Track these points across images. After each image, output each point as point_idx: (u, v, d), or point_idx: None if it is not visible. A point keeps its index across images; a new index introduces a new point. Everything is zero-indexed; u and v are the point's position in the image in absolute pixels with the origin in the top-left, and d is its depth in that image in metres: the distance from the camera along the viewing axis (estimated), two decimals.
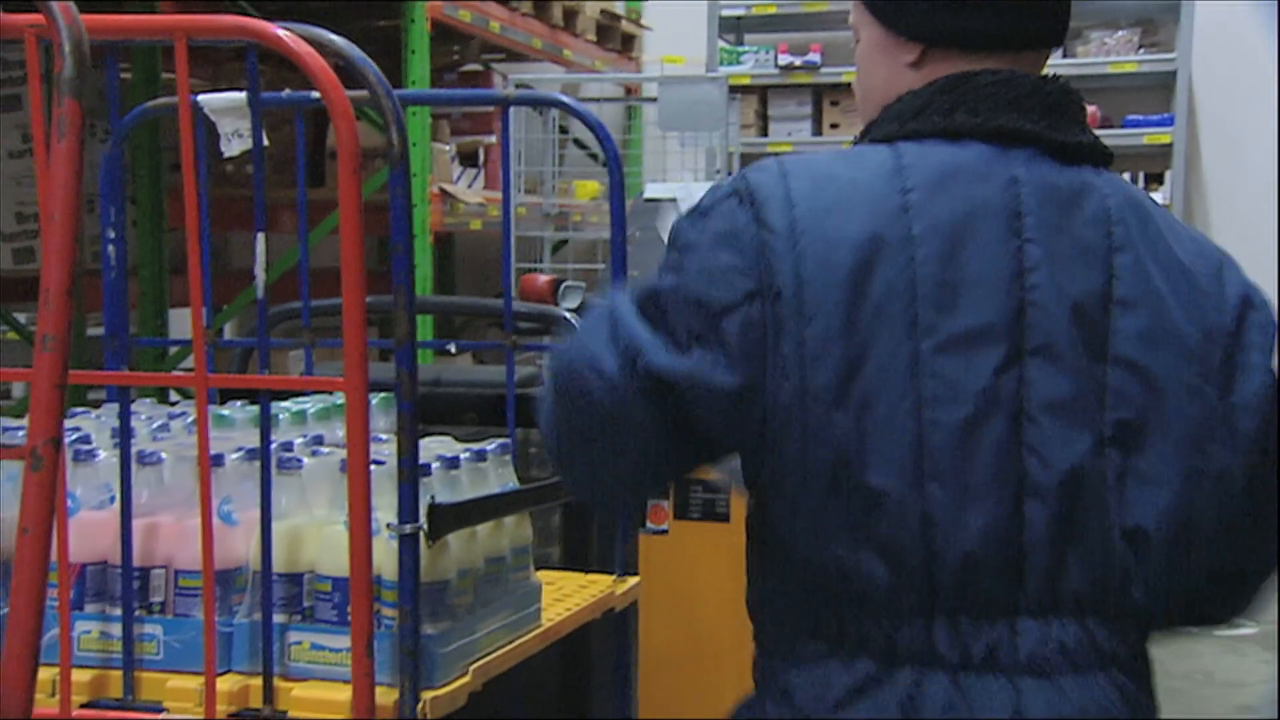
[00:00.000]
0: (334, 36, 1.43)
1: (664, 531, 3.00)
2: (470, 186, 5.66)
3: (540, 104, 2.23)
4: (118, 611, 1.47)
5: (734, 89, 5.79)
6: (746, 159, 6.45)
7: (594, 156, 6.38)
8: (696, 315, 1.19)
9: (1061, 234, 1.21)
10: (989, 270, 1.18)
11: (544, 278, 2.46)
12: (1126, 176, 6.21)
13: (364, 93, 1.43)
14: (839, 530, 1.18)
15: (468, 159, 5.72)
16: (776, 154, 5.35)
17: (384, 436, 1.68)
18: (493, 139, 5.70)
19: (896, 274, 1.17)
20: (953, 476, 1.16)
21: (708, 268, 1.20)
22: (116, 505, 1.47)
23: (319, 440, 1.66)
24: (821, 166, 1.24)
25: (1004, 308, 1.18)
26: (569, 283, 2.43)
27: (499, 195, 5.39)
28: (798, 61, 6.54)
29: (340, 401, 1.70)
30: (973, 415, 1.16)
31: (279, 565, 1.48)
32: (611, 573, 2.04)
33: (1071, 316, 1.19)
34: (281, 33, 1.34)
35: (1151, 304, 1.22)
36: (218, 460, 1.48)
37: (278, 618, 1.47)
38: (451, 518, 1.53)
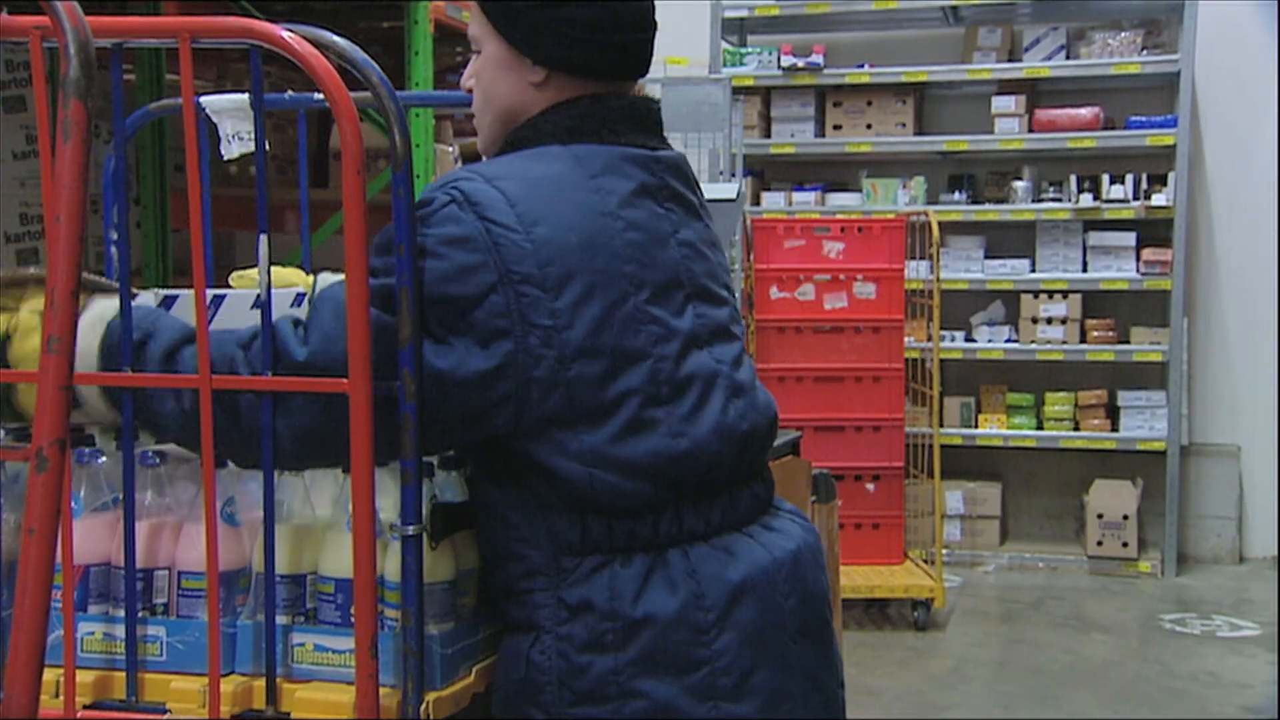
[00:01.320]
0: (337, 38, 1.43)
1: None
2: None
3: None
4: (121, 613, 1.47)
5: (737, 90, 5.79)
6: (750, 160, 6.46)
7: None
8: (445, 311, 1.44)
9: (681, 200, 1.63)
10: (658, 233, 1.57)
11: None
12: (1130, 178, 6.22)
13: (367, 94, 1.43)
14: (599, 459, 1.48)
15: (471, 160, 5.72)
16: (779, 154, 5.42)
17: None
18: None
19: (612, 245, 1.51)
20: (681, 394, 1.53)
21: (443, 270, 1.45)
22: (120, 507, 1.47)
23: None
24: (521, 169, 1.53)
25: (673, 262, 1.58)
26: None
27: None
28: (800, 63, 6.54)
29: None
30: (681, 347, 1.54)
31: (282, 566, 1.48)
32: None
33: (699, 259, 1.62)
34: (285, 34, 1.34)
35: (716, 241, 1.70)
36: (221, 462, 1.49)
37: (281, 619, 1.47)
38: (455, 518, 1.54)
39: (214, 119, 1.82)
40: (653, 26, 1.68)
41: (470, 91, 1.66)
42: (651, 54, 1.68)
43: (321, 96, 1.36)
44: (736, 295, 4.70)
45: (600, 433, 1.48)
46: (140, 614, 1.48)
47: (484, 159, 1.67)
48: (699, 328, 1.57)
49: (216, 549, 1.41)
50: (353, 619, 1.40)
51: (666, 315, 1.54)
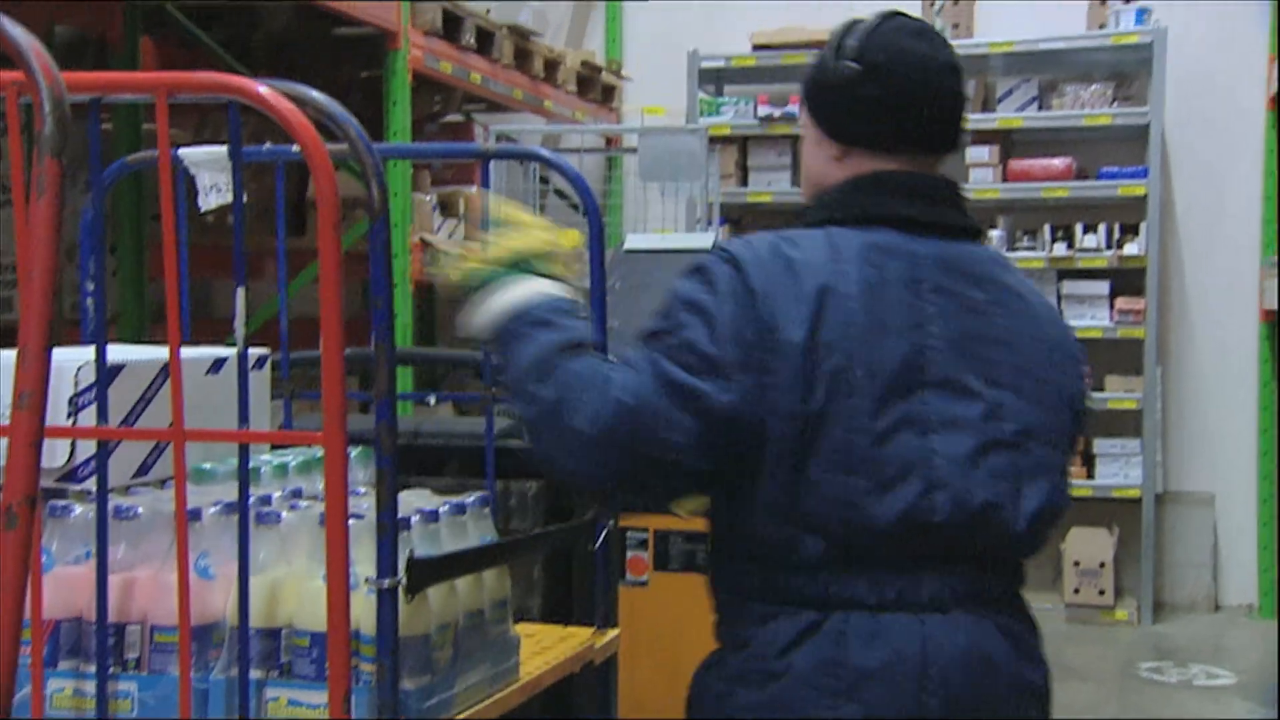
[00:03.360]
0: (315, 93, 1.44)
1: (644, 583, 2.99)
2: (451, 236, 5.67)
3: (519, 158, 2.25)
4: (92, 669, 1.46)
5: (714, 139, 5.83)
6: (726, 209, 6.50)
7: (575, 206, 6.42)
8: (737, 348, 1.58)
9: (950, 293, 1.66)
10: (897, 321, 1.63)
11: None
12: (1103, 228, 6.28)
13: (345, 146, 1.44)
14: (786, 512, 1.59)
15: (448, 208, 5.74)
16: (756, 203, 5.44)
17: (363, 489, 1.68)
18: (473, 189, 5.72)
19: (835, 324, 1.59)
20: (872, 471, 1.59)
21: (727, 317, 1.59)
22: (92, 560, 1.46)
23: (298, 493, 1.66)
24: (770, 246, 1.66)
25: (908, 350, 1.61)
26: None
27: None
28: (777, 113, 6.59)
29: (318, 454, 1.69)
30: (890, 427, 1.59)
31: (256, 620, 1.47)
32: (592, 625, 2.04)
33: (961, 354, 1.64)
34: (263, 90, 1.35)
35: (1019, 342, 1.69)
36: (195, 515, 1.48)
37: (255, 673, 1.46)
38: (431, 572, 1.53)
39: (192, 171, 1.82)
40: (951, 100, 1.74)
41: None
42: (956, 129, 1.76)
43: (297, 149, 1.36)
44: None
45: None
46: (111, 669, 1.47)
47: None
48: (919, 415, 1.60)
49: (189, 602, 1.40)
50: (327, 673, 1.39)
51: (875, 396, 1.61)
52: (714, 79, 6.95)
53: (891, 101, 1.70)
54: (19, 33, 0.95)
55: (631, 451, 1.56)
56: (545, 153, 2.15)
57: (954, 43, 6.29)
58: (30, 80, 0.93)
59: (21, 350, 0.91)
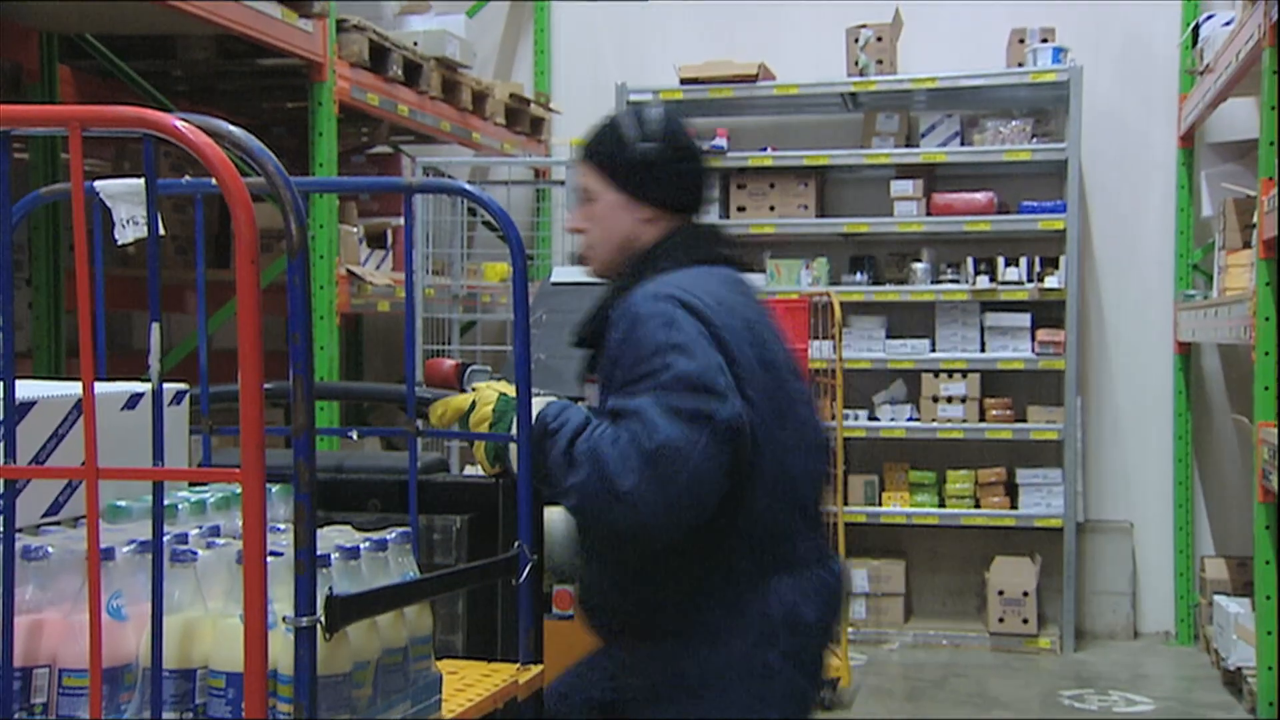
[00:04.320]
0: (231, 127, 1.43)
1: (570, 617, 2.98)
2: (379, 268, 5.64)
3: (445, 192, 2.25)
4: None
5: None
6: None
7: (504, 238, 6.42)
8: (724, 375, 2.03)
9: (759, 307, 2.26)
10: (775, 333, 2.24)
11: (449, 361, 2.45)
12: (1024, 261, 6.39)
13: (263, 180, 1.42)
14: (780, 494, 2.17)
15: (376, 240, 5.71)
16: None
17: (283, 526, 1.65)
18: (399, 221, 5.70)
19: (760, 341, 2.16)
20: (815, 458, 2.25)
21: (706, 349, 2.05)
22: None
23: (216, 531, 1.63)
24: (703, 285, 2.17)
25: (781, 349, 2.23)
26: (475, 366, 2.43)
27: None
28: (704, 146, 6.64)
29: (237, 490, 1.67)
30: (805, 410, 2.24)
31: (170, 661, 1.44)
32: (515, 661, 2.02)
33: (782, 349, 2.24)
34: (179, 124, 1.33)
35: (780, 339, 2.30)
36: (109, 554, 1.45)
37: (168, 715, 1.43)
38: (350, 609, 1.51)
39: (109, 204, 1.80)
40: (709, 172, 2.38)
41: (580, 231, 2.33)
42: (705, 196, 2.37)
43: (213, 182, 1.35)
44: None
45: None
46: (17, 715, 1.43)
47: (596, 277, 2.36)
48: (804, 396, 2.25)
49: (100, 643, 1.37)
50: (244, 714, 1.37)
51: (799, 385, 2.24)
52: None
53: (690, 173, 2.30)
54: None
55: (669, 483, 1.94)
56: (469, 187, 2.15)
57: (878, 79, 6.35)
58: None
59: None
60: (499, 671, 1.99)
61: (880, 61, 6.51)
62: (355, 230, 5.41)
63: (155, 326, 1.42)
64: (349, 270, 5.10)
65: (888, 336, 6.58)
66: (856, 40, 6.55)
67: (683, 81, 6.65)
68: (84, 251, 1.38)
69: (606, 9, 7.09)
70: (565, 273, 4.07)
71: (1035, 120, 6.53)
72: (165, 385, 1.46)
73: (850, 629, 6.00)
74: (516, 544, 2.00)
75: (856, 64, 6.52)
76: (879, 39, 6.52)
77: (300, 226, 1.42)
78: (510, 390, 2.19)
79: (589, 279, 2.39)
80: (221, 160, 1.33)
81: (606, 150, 2.29)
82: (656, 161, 2.25)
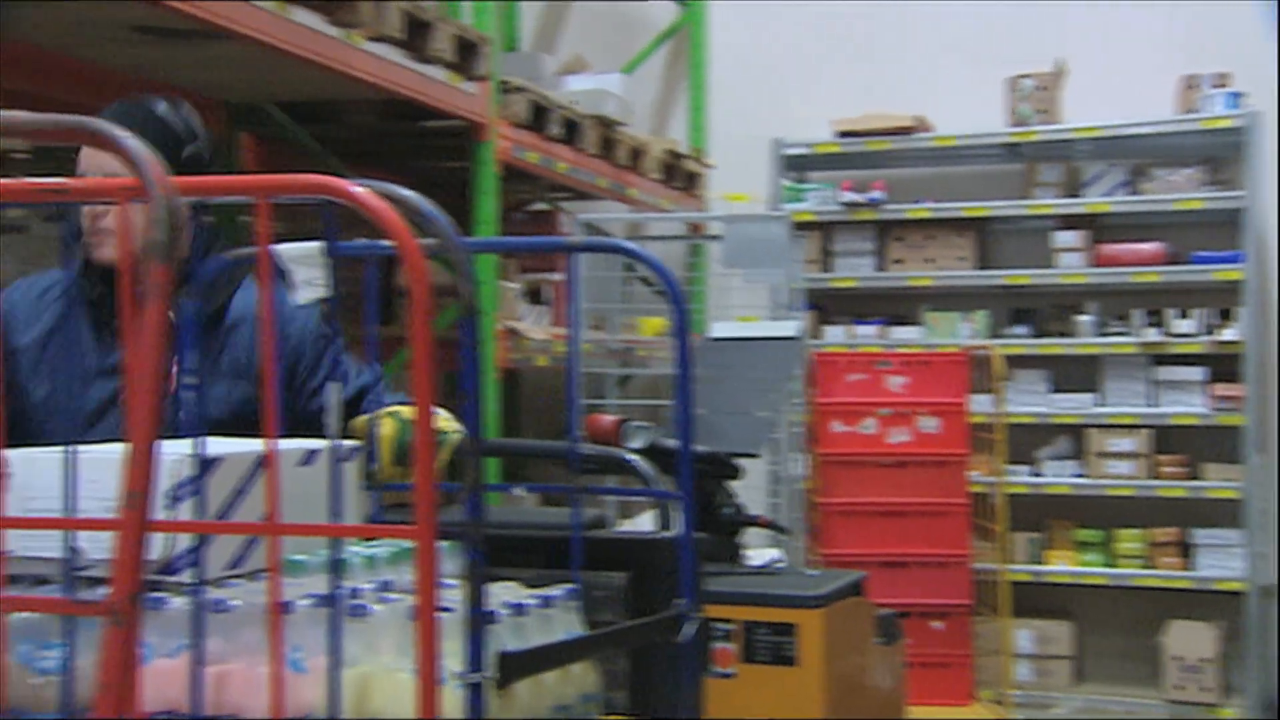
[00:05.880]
0: (407, 192, 1.47)
1: (731, 675, 2.95)
2: (536, 323, 5.73)
3: (606, 250, 2.27)
4: None
5: (798, 225, 5.86)
6: (811, 294, 6.50)
7: (660, 293, 6.45)
8: None
9: None
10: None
11: (609, 418, 2.48)
12: (1198, 313, 6.16)
13: (434, 240, 1.46)
14: None
15: (533, 296, 5.81)
16: (840, 289, 5.44)
17: (451, 582, 1.68)
18: (558, 276, 5.79)
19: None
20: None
21: None
22: (187, 653, 1.48)
23: (388, 586, 1.66)
24: None
25: None
26: (635, 422, 2.44)
27: (564, 331, 5.45)
28: (861, 198, 6.60)
29: (406, 546, 1.70)
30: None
31: (347, 713, 1.47)
32: (677, 718, 2.01)
33: None
34: (359, 191, 1.38)
35: None
36: (288, 608, 1.49)
37: None
38: (521, 665, 1.53)
39: (287, 266, 1.86)
40: None
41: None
42: None
43: (388, 243, 1.39)
44: (797, 429, 4.66)
45: None
46: None
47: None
48: None
49: (284, 694, 1.41)
50: None
51: None
52: (796, 165, 6.99)
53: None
54: (132, 142, 0.99)
55: None
56: (631, 246, 2.17)
57: (1040, 129, 6.21)
58: (146, 190, 0.96)
59: (130, 451, 0.94)
60: None
61: (1043, 111, 6.40)
62: (515, 286, 5.51)
63: (334, 386, 1.47)
64: (508, 326, 5.20)
65: (1051, 390, 6.41)
66: (1017, 90, 6.45)
67: (840, 134, 6.63)
68: (270, 315, 1.44)
69: (761, 64, 7.12)
70: (725, 328, 4.07)
71: (1208, 168, 6.33)
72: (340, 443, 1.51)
73: (1014, 691, 5.81)
74: (680, 600, 1.99)
75: (1016, 114, 6.42)
76: (1042, 88, 6.41)
77: (472, 287, 1.45)
78: (405, 411, 2.25)
79: (750, 334, 2.38)
80: (400, 227, 1.37)
81: (162, 150, 2.34)
82: (205, 161, 2.33)
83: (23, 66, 3.62)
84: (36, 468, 1.55)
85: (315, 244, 1.84)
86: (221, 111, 4.46)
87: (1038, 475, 6.39)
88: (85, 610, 1.11)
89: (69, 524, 1.48)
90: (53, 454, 1.53)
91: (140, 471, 0.94)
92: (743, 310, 5.77)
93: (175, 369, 2.16)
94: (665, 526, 2.26)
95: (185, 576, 1.56)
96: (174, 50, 3.67)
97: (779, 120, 6.95)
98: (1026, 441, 6.45)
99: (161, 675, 1.49)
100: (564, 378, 5.43)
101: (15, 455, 1.50)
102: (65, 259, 2.55)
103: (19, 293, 2.52)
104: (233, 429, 1.91)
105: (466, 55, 4.48)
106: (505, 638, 1.56)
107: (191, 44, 3.58)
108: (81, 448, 1.53)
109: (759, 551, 3.43)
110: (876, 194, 6.60)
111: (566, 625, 1.72)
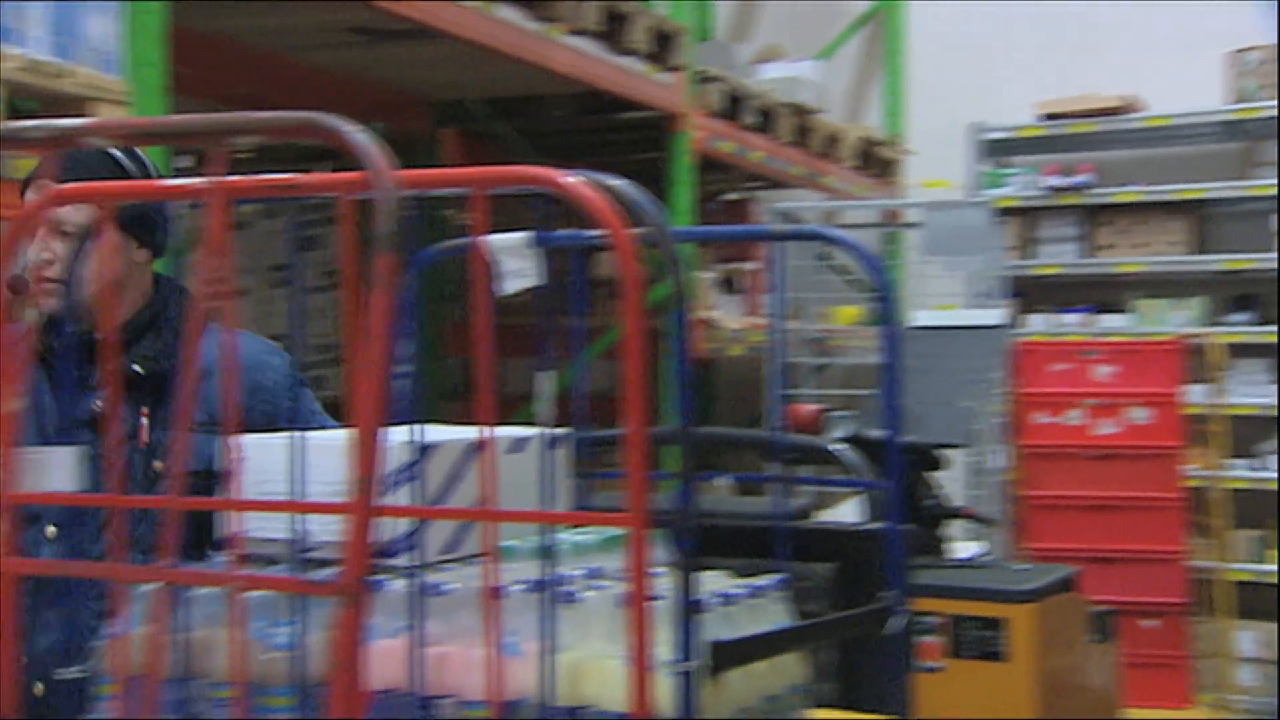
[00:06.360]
0: (617, 181, 1.48)
1: (936, 670, 2.89)
2: (730, 313, 5.72)
3: (810, 238, 2.24)
4: None
5: (999, 211, 5.70)
6: (1013, 282, 6.32)
7: (852, 282, 6.36)
8: None
9: None
10: None
11: (810, 407, 2.45)
12: None
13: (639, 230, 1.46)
14: None
15: (727, 285, 5.80)
16: (1043, 276, 5.28)
17: (658, 570, 1.68)
18: (750, 266, 5.77)
19: None
20: None
21: None
22: (406, 635, 1.52)
23: (597, 573, 1.68)
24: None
25: None
26: (836, 412, 2.41)
27: (758, 320, 5.43)
28: (1066, 183, 6.38)
29: (615, 533, 1.71)
30: None
31: (560, 698, 1.49)
32: (883, 713, 1.98)
33: None
34: (571, 181, 1.39)
35: None
36: (502, 592, 1.52)
37: None
38: (732, 655, 1.52)
39: (496, 257, 1.90)
40: None
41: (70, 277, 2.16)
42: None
43: (593, 234, 1.40)
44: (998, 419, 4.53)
45: None
46: None
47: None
48: None
49: (502, 677, 1.44)
50: None
51: None
52: (996, 150, 6.80)
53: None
54: (361, 138, 1.02)
55: None
56: (835, 233, 2.14)
57: (1264, 104, 5.89)
58: (375, 183, 0.98)
59: (358, 436, 0.96)
60: None
61: (1267, 86, 6.06)
62: (709, 276, 5.51)
63: (546, 374, 1.49)
64: (703, 315, 5.20)
65: (1276, 381, 6.08)
66: (1239, 65, 6.13)
67: (1045, 117, 6.42)
68: (486, 302, 1.46)
69: (961, 48, 6.95)
70: (929, 316, 3.99)
71: None
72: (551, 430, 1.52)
73: (1237, 695, 5.54)
74: (887, 593, 1.95)
75: (1239, 90, 6.10)
76: (1267, 62, 6.08)
77: (681, 279, 1.45)
78: None
79: (954, 323, 2.32)
80: (611, 216, 1.38)
81: (130, 205, 2.18)
82: (167, 212, 2.26)
83: (239, 69, 3.79)
84: (269, 452, 1.61)
85: (523, 234, 1.87)
86: (424, 109, 4.59)
87: (1261, 470, 6.07)
88: (319, 590, 1.15)
89: (299, 507, 1.53)
90: (282, 439, 1.60)
91: (367, 458, 0.96)
92: (940, 299, 5.64)
93: (145, 420, 2.16)
94: (873, 517, 2.22)
95: (403, 560, 1.61)
96: (385, 50, 3.80)
97: (978, 105, 6.77)
98: (1248, 434, 6.14)
99: (383, 655, 1.54)
100: (757, 367, 5.41)
101: (248, 440, 1.57)
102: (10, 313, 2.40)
103: None
104: (210, 483, 1.85)
105: (662, 46, 4.50)
106: (714, 627, 1.55)
107: (402, 44, 3.70)
108: (309, 434, 1.59)
109: (963, 544, 3.35)
110: (1083, 177, 6.37)
111: (775, 616, 1.70)
